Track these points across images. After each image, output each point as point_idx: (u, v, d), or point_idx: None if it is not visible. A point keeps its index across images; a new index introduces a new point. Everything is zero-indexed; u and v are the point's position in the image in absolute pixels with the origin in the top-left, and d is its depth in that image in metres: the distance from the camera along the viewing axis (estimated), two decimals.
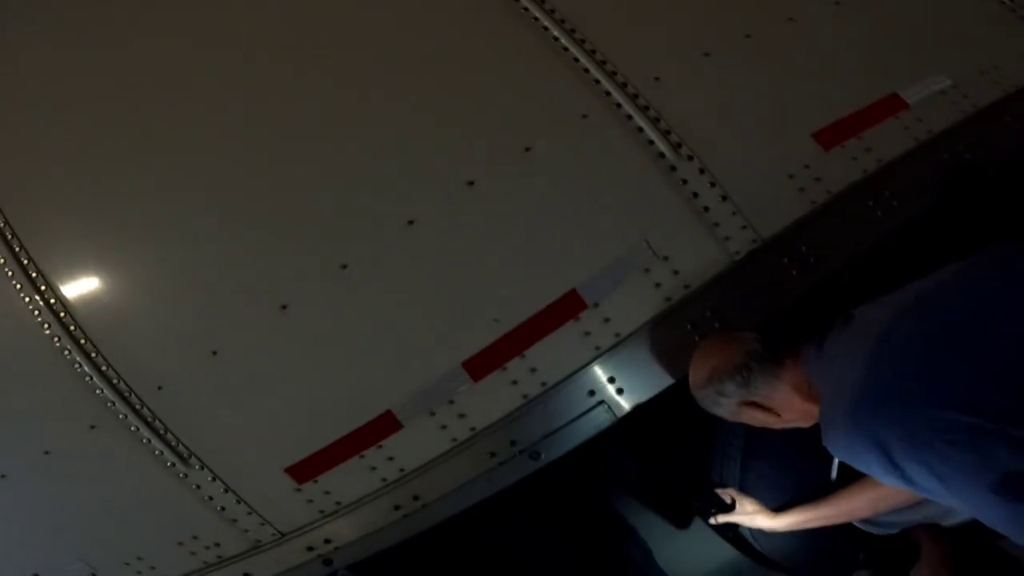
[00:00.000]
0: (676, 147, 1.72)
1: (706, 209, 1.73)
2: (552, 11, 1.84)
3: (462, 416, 1.72)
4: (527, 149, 1.73)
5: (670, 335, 1.72)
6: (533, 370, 1.71)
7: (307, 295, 1.73)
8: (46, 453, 1.83)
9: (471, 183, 1.71)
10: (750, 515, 1.80)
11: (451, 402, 1.71)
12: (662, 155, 1.73)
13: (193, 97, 1.90)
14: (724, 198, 1.74)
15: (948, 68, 1.97)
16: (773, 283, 1.76)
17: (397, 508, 1.76)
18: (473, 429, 1.72)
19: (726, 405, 1.52)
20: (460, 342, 1.71)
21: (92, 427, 1.78)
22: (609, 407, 1.72)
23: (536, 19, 1.84)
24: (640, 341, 1.72)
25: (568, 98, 1.77)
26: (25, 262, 1.80)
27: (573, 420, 1.73)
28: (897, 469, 1.19)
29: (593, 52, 1.79)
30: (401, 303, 1.73)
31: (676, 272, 1.73)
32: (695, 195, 1.73)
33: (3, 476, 1.87)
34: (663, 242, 1.72)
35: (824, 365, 1.41)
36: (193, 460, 1.76)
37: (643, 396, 1.73)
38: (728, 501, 1.84)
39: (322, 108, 1.84)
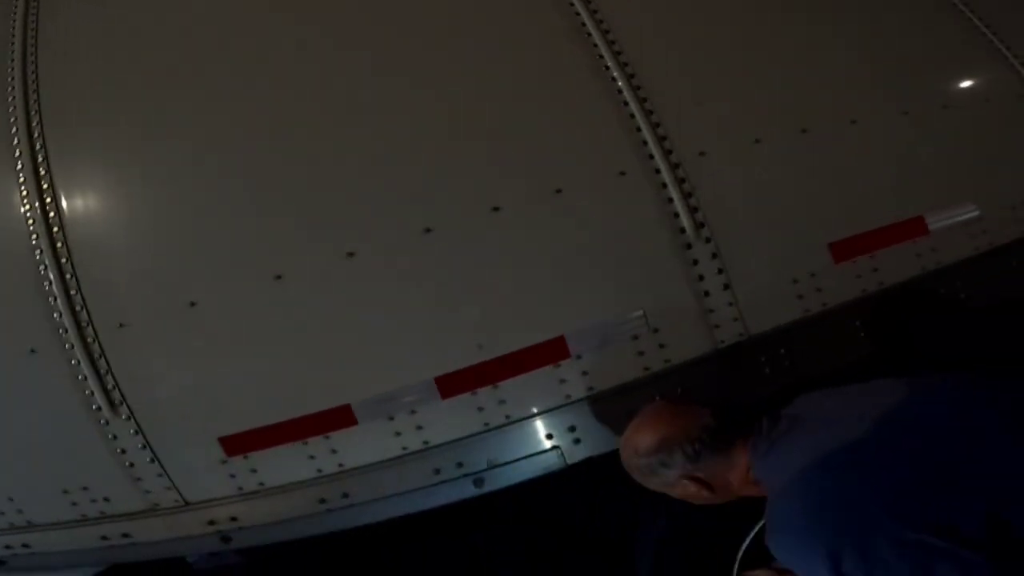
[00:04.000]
0: (698, 226, 1.73)
1: (707, 294, 1.75)
2: (625, 64, 1.82)
3: (419, 428, 1.72)
4: (558, 191, 1.72)
5: (638, 400, 1.74)
6: (502, 402, 1.72)
7: (305, 272, 1.70)
8: None
9: (496, 208, 1.70)
10: None
11: (413, 412, 1.71)
12: (682, 230, 1.73)
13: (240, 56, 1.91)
14: (726, 287, 1.75)
15: (978, 197, 1.95)
16: (745, 377, 1.80)
17: (323, 501, 1.76)
18: (426, 443, 1.73)
19: (664, 476, 1.48)
20: (439, 357, 1.71)
21: (32, 351, 1.74)
22: (562, 453, 1.75)
23: (607, 68, 1.82)
24: (610, 400, 1.74)
25: (612, 151, 1.76)
26: (42, 172, 1.77)
27: (525, 457, 1.75)
28: None
29: (650, 113, 1.77)
30: (395, 304, 1.71)
31: (661, 346, 1.75)
32: (700, 277, 1.74)
33: None
34: (658, 315, 1.73)
35: (774, 458, 1.39)
36: (122, 408, 1.72)
37: (597, 450, 1.76)
38: None
39: (375, 102, 1.83)
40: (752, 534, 1.66)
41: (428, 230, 1.69)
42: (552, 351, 1.71)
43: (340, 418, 1.71)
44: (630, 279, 1.75)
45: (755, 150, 1.82)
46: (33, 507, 1.86)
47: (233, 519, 1.78)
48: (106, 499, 1.81)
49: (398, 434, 1.72)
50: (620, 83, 1.79)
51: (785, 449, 1.38)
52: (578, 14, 1.89)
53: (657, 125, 1.77)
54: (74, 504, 1.82)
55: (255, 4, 2.03)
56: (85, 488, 1.80)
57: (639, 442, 1.50)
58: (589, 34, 1.86)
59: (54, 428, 1.78)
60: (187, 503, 1.78)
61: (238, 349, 1.73)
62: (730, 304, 1.76)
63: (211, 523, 1.79)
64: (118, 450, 1.75)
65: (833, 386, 1.50)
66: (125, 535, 1.83)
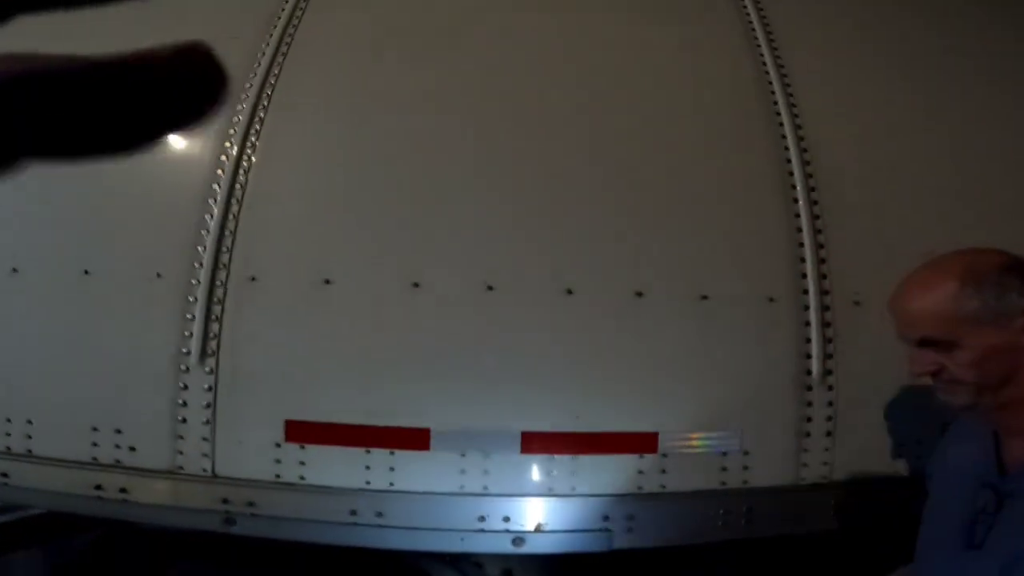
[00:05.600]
0: (826, 373, 1.66)
1: (808, 435, 1.69)
2: (814, 203, 1.71)
3: (485, 472, 1.63)
4: (703, 297, 1.63)
5: (702, 510, 1.71)
6: (574, 473, 1.64)
7: (446, 289, 1.61)
8: None
9: (640, 294, 1.61)
10: None
11: (486, 456, 1.62)
12: (808, 372, 1.66)
13: None
14: (829, 434, 1.70)
15: None
16: (813, 514, 1.75)
17: (353, 513, 1.65)
18: (485, 489, 1.64)
19: (1009, 304, 1.06)
20: (536, 413, 1.62)
21: (158, 275, 1.63)
22: (611, 537, 1.69)
23: (796, 201, 1.72)
24: (678, 501, 1.69)
25: (767, 276, 1.67)
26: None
27: (573, 531, 1.68)
28: None
29: (820, 247, 1.68)
30: (520, 350, 1.62)
31: (745, 468, 1.69)
32: (808, 419, 1.68)
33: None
34: (754, 440, 1.67)
35: None
36: (208, 361, 1.59)
37: (644, 543, 1.70)
38: None
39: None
40: None
41: (570, 292, 1.59)
42: (644, 442, 1.63)
43: (416, 439, 1.61)
44: (746, 399, 1.67)
45: None
46: (46, 436, 1.71)
47: (251, 504, 1.67)
48: (132, 448, 1.67)
49: (462, 472, 1.63)
50: (802, 216, 1.69)
51: None
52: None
53: (823, 261, 1.67)
54: (94, 444, 1.68)
55: None
56: (118, 431, 1.66)
57: (983, 261, 1.10)
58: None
59: (127, 360, 1.65)
60: (214, 475, 1.66)
61: (354, 341, 1.63)
62: (827, 450, 1.70)
63: (225, 501, 1.67)
64: (180, 401, 1.62)
65: None
66: (122, 490, 1.69)
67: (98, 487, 1.69)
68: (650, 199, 1.71)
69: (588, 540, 1.69)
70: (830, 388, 1.67)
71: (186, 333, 1.59)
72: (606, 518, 1.68)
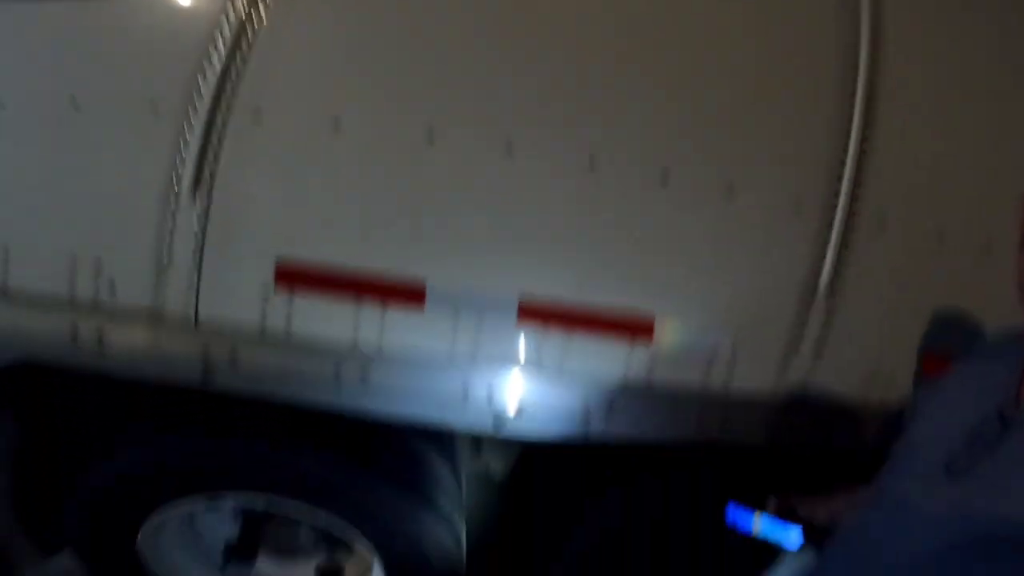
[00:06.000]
0: (832, 288, 1.63)
1: (798, 346, 1.67)
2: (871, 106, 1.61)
3: (476, 341, 1.56)
4: (730, 188, 1.55)
5: (669, 407, 1.69)
6: (565, 352, 1.59)
7: (462, 137, 1.49)
8: None
9: (665, 175, 1.52)
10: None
11: (480, 320, 1.55)
12: (815, 284, 1.62)
13: None
14: (818, 348, 1.68)
15: None
16: (787, 426, 1.77)
17: (337, 376, 1.58)
18: (474, 357, 1.58)
19: None
20: (539, 280, 1.55)
21: (151, 102, 1.49)
22: (588, 427, 1.67)
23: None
24: (657, 395, 1.67)
25: (800, 179, 1.59)
26: None
27: (553, 416, 1.65)
28: None
29: (862, 164, 1.59)
30: (531, 209, 1.53)
31: (730, 370, 1.68)
32: (802, 330, 1.66)
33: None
34: (744, 342, 1.65)
35: None
36: (200, 196, 1.45)
37: (619, 435, 1.70)
38: None
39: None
40: None
41: (593, 164, 1.50)
42: (639, 328, 1.59)
43: (408, 294, 1.52)
44: (743, 298, 1.63)
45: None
46: (23, 268, 1.55)
47: (233, 355, 1.57)
48: (112, 283, 1.53)
49: (453, 337, 1.56)
50: (853, 128, 1.60)
51: None
52: None
53: (859, 179, 1.59)
54: (73, 279, 1.54)
55: None
56: (98, 267, 1.52)
57: None
58: None
59: (114, 194, 1.51)
60: (197, 321, 1.54)
61: (358, 185, 1.50)
62: (813, 364, 1.70)
63: (206, 350, 1.56)
64: (167, 238, 1.47)
65: None
66: (99, 335, 1.56)
67: (74, 330, 1.56)
68: (689, 75, 1.60)
69: (567, 428, 1.67)
70: (833, 301, 1.66)
71: (179, 168, 1.45)
72: (587, 403, 1.66)
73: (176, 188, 1.46)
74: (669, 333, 1.61)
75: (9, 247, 1.55)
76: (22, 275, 1.56)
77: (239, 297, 1.53)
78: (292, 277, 1.51)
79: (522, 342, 1.58)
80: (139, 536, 2.05)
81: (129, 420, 2.01)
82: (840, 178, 1.57)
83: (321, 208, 1.51)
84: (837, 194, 1.57)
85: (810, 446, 1.80)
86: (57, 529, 2.09)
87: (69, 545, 2.19)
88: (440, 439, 2.26)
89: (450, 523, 2.00)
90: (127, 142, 1.49)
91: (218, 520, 2.26)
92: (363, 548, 2.05)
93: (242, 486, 1.93)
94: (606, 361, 1.63)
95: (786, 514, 1.46)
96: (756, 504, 1.51)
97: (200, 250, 1.48)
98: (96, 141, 1.50)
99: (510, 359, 1.60)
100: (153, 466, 1.89)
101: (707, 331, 1.64)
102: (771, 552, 1.74)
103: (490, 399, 1.62)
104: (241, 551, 2.22)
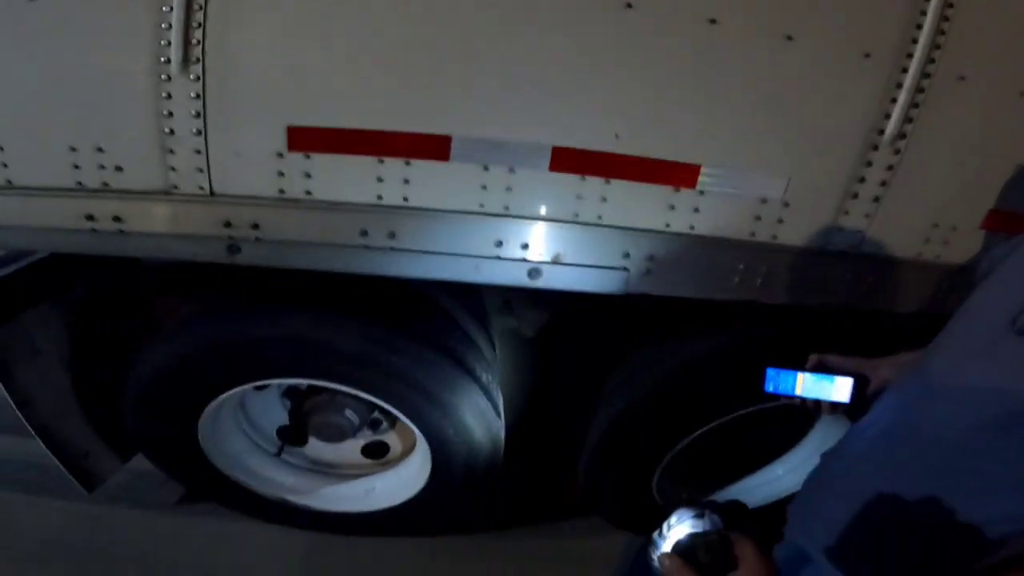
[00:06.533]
0: (899, 138, 1.50)
1: (855, 197, 1.58)
2: None
3: (508, 190, 1.50)
4: (788, 38, 1.40)
5: (715, 258, 1.62)
6: (603, 200, 1.52)
7: None
8: None
9: (713, 20, 1.38)
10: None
11: (511, 171, 1.48)
12: (881, 132, 1.50)
13: None
14: (876, 200, 1.58)
15: None
16: (832, 285, 1.70)
17: (364, 234, 1.53)
18: (506, 208, 1.52)
19: None
20: (570, 129, 1.45)
21: None
22: (628, 279, 1.61)
23: None
24: (702, 247, 1.59)
25: (870, 30, 1.43)
26: None
27: (592, 266, 1.59)
28: None
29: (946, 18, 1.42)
30: (562, 52, 1.40)
31: (780, 221, 1.59)
32: (862, 182, 1.56)
33: None
34: (797, 193, 1.55)
35: None
36: (195, 67, 1.37)
37: (660, 290, 1.63)
38: None
39: None
40: None
41: (630, 4, 1.36)
42: (681, 175, 1.51)
43: (435, 146, 1.44)
44: (799, 145, 1.51)
45: None
46: (22, 162, 1.50)
47: (255, 226, 1.52)
48: (118, 168, 1.48)
49: (483, 188, 1.49)
50: None
51: None
52: None
53: (943, 29, 1.43)
54: (76, 167, 1.49)
55: None
56: (100, 149, 1.47)
57: None
58: None
59: (102, 72, 1.40)
60: (212, 193, 1.49)
61: (371, 34, 1.38)
62: (866, 217, 1.60)
63: (227, 225, 1.52)
64: (164, 112, 1.41)
65: None
66: (116, 219, 1.52)
67: (90, 217, 1.53)
68: None
69: (606, 279, 1.61)
70: (897, 153, 1.53)
71: (163, 43, 1.35)
72: (627, 255, 1.59)
73: (164, 61, 1.38)
74: (714, 181, 1.52)
75: (3, 143, 1.50)
76: (26, 171, 1.52)
77: (253, 164, 1.47)
78: (307, 142, 1.44)
79: (556, 192, 1.51)
80: (199, 432, 2.09)
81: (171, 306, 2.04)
82: (919, 28, 1.42)
83: (331, 65, 1.39)
84: (914, 43, 1.43)
85: (860, 306, 1.73)
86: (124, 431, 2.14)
87: (140, 448, 2.25)
88: (471, 303, 2.24)
89: (488, 392, 1.99)
90: (109, 20, 1.38)
91: (268, 409, 2.32)
92: (406, 424, 2.06)
93: (284, 370, 1.93)
94: (647, 211, 1.55)
95: (834, 370, 1.38)
96: (796, 365, 1.43)
97: (203, 120, 1.41)
98: (73, 23, 1.40)
99: (544, 211, 1.53)
100: (203, 349, 1.89)
101: (757, 180, 1.54)
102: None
103: (525, 253, 1.56)
104: (292, 434, 2.26)
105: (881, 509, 1.11)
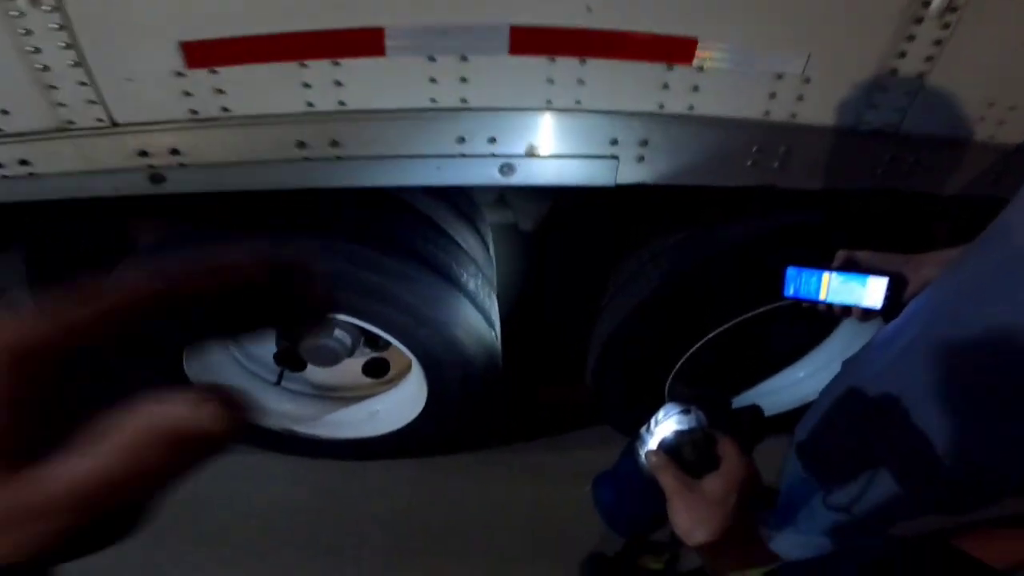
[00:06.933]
0: (949, 10, 1.21)
1: (894, 72, 1.30)
2: None
3: (463, 81, 1.26)
4: None
5: (722, 141, 1.38)
6: (580, 82, 1.27)
7: None
8: None
9: None
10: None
11: (464, 59, 1.23)
12: (927, 3, 1.21)
13: None
14: (920, 77, 1.31)
15: None
16: (863, 169, 1.47)
17: (302, 146, 1.33)
18: (463, 101, 1.29)
19: None
20: (530, 3, 1.18)
21: None
22: (617, 167, 1.39)
23: None
24: (705, 127, 1.35)
25: None
26: None
27: (573, 156, 1.38)
28: None
29: None
30: None
31: (800, 98, 1.33)
32: (902, 56, 1.27)
33: None
34: (820, 66, 1.28)
35: None
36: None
37: (655, 179, 1.42)
38: None
39: None
40: None
41: None
42: (675, 50, 1.24)
43: (365, 43, 1.20)
44: (827, 19, 1.23)
45: None
46: None
47: (174, 152, 1.33)
48: (4, 111, 1.27)
49: (433, 81, 1.26)
50: None
51: None
52: None
53: None
54: None
55: None
56: None
57: None
58: None
59: None
60: (114, 124, 1.28)
61: None
62: (907, 94, 1.34)
63: (142, 154, 1.33)
64: (30, 48, 1.17)
65: None
66: (23, 162, 1.33)
67: None
68: None
69: (591, 170, 1.39)
70: (946, 27, 1.24)
71: None
72: (615, 142, 1.36)
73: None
74: (717, 56, 1.25)
75: None
76: None
77: (151, 88, 1.25)
78: (207, 56, 1.21)
79: (521, 78, 1.26)
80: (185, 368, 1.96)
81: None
82: None
83: None
84: None
85: (898, 188, 1.48)
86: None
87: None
88: (456, 202, 2.04)
89: (477, 301, 1.81)
90: None
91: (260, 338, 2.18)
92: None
93: None
94: (635, 92, 1.30)
95: (866, 269, 1.16)
96: (820, 265, 1.21)
97: (76, 48, 1.18)
98: None
99: (510, 100, 1.29)
100: None
101: (770, 54, 1.27)
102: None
103: (493, 147, 1.35)
104: (286, 358, 2.14)
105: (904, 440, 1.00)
